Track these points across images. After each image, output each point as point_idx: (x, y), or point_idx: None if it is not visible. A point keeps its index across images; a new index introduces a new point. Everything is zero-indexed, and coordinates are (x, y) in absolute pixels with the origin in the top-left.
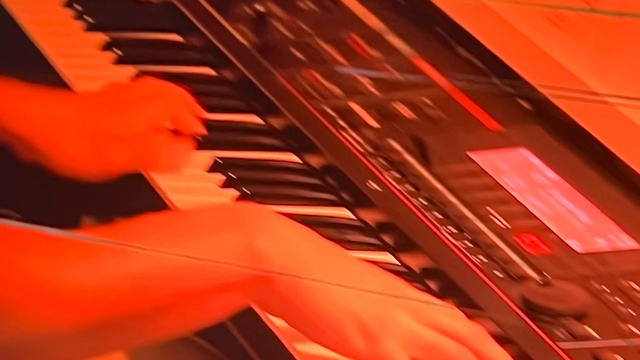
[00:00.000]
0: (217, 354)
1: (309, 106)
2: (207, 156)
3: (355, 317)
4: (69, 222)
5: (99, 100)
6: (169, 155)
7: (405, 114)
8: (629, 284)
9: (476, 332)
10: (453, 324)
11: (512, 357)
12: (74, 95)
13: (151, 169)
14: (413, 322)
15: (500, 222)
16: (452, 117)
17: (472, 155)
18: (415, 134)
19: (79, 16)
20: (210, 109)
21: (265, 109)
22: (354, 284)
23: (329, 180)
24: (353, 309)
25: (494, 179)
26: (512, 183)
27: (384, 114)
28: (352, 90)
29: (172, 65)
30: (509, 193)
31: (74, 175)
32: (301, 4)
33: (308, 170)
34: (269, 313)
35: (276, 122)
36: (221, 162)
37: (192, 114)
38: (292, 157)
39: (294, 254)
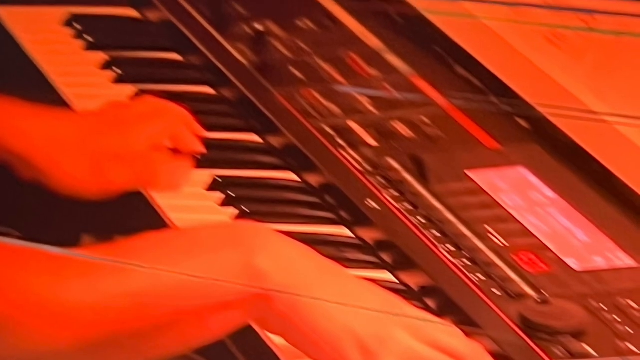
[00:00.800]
0: None
1: (307, 125)
2: (207, 175)
3: (354, 335)
4: (68, 240)
5: (99, 119)
6: (168, 174)
7: (404, 133)
8: (627, 302)
9: (474, 350)
10: (451, 341)
11: None
12: (73, 114)
13: (151, 188)
14: (412, 340)
15: (499, 240)
16: (450, 136)
17: (471, 173)
18: (414, 152)
19: (79, 35)
20: (210, 128)
21: (265, 127)
22: (352, 302)
23: (328, 198)
24: (352, 327)
25: (492, 197)
26: (510, 201)
27: (383, 133)
28: (351, 109)
29: (172, 84)
30: (507, 211)
31: (73, 193)
32: (300, 23)
33: (307, 189)
34: (268, 331)
35: (275, 141)
36: (220, 180)
37: (191, 133)
38: (291, 176)
39: (293, 272)
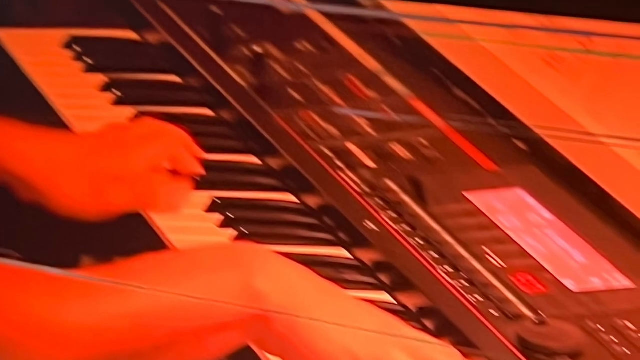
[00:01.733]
0: None
1: (306, 147)
2: (206, 196)
3: (353, 356)
4: (68, 261)
5: (98, 141)
6: (167, 196)
7: (402, 155)
8: (624, 323)
9: None
10: None
11: None
12: (73, 136)
13: (150, 209)
14: None
15: (496, 261)
16: (448, 158)
17: (468, 195)
18: (412, 174)
19: (79, 57)
20: (209, 150)
21: (263, 149)
22: (351, 323)
23: (327, 220)
24: (350, 348)
25: (489, 218)
26: (507, 223)
27: (381, 155)
28: (349, 130)
29: (171, 106)
30: (505, 232)
31: (73, 215)
32: (298, 46)
33: (305, 210)
34: (266, 352)
35: (274, 163)
36: (219, 202)
37: (190, 155)
38: (289, 197)
39: (291, 293)
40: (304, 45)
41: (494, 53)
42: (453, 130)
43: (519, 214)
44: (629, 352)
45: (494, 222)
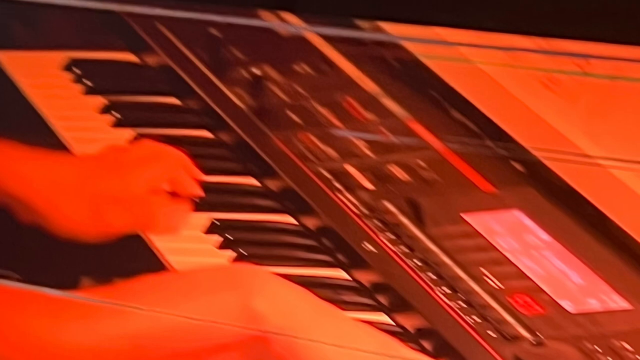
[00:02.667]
0: None
1: (304, 168)
2: (205, 218)
3: None
4: (68, 282)
5: (98, 163)
6: (166, 217)
7: (400, 176)
8: (621, 344)
9: None
10: None
11: None
12: (72, 158)
13: (149, 231)
14: None
15: (494, 282)
16: (446, 179)
17: (466, 216)
18: (410, 195)
19: (78, 80)
20: (208, 172)
21: (262, 171)
22: (349, 344)
23: (325, 241)
24: None
25: (487, 240)
26: (505, 244)
27: (379, 176)
28: (348, 152)
29: (170, 128)
30: (502, 254)
31: (73, 236)
32: (297, 68)
33: (304, 232)
34: None
35: (272, 184)
36: (218, 223)
37: (189, 176)
38: (288, 219)
39: (290, 314)
40: (302, 68)
41: (492, 75)
42: (451, 152)
43: (517, 235)
44: None
45: (492, 244)
